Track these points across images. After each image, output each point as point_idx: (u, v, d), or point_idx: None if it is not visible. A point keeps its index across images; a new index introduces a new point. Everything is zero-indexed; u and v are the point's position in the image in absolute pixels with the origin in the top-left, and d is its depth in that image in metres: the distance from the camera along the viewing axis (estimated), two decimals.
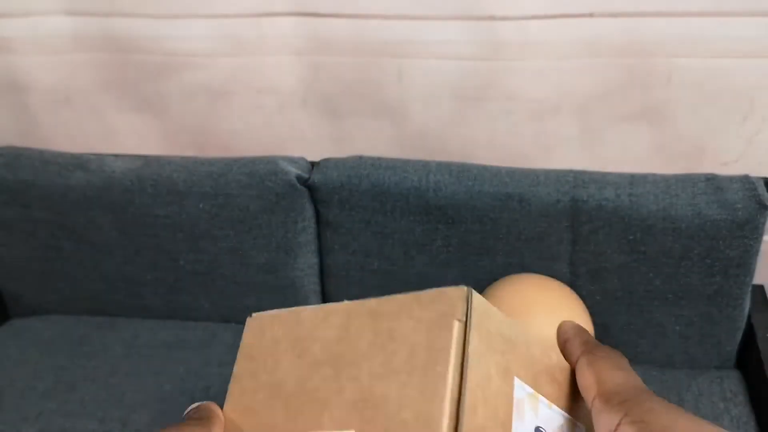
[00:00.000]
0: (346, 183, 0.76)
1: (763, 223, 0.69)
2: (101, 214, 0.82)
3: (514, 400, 0.27)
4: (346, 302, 0.29)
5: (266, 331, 0.31)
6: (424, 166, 0.76)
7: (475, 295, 0.27)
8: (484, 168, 0.75)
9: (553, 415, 0.29)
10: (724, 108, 0.75)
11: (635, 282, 0.73)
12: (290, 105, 0.84)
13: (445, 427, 0.23)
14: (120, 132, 0.89)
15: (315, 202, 0.79)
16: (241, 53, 0.81)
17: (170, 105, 0.86)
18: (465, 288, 0.27)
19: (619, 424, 0.25)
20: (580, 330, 0.33)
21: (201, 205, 0.80)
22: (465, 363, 0.24)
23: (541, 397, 0.29)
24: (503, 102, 0.79)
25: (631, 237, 0.71)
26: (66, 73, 0.85)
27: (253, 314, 0.33)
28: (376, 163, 0.77)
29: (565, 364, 0.32)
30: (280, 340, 0.30)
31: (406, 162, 0.77)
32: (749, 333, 0.75)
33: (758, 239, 0.70)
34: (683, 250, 0.70)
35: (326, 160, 0.79)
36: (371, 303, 0.28)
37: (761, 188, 0.69)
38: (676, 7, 0.72)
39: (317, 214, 0.80)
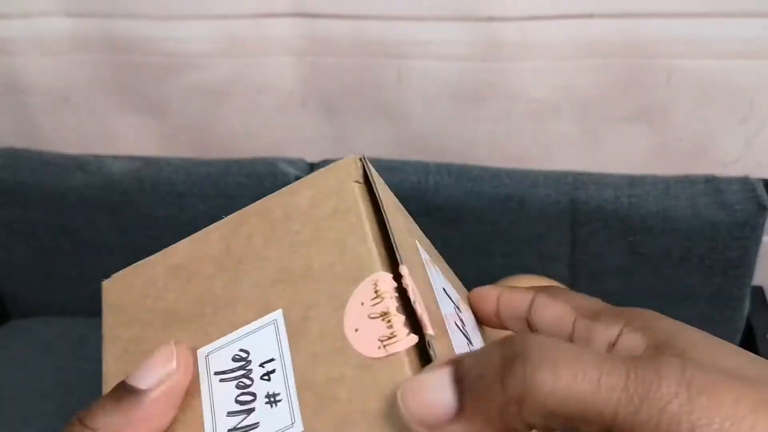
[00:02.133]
0: None
1: (763, 225, 0.69)
2: (101, 216, 0.82)
3: (423, 260, 0.25)
4: (219, 222, 0.26)
5: (133, 281, 0.27)
6: (424, 167, 0.76)
7: (367, 161, 0.25)
8: (484, 169, 0.75)
9: (448, 285, 0.27)
10: (723, 108, 0.75)
11: (635, 283, 0.73)
12: (289, 106, 0.84)
13: (376, 257, 0.21)
14: (119, 133, 0.89)
15: None
16: (241, 54, 0.81)
17: (169, 106, 0.86)
18: (355, 156, 0.25)
19: (620, 335, 0.22)
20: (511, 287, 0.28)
21: (200, 207, 0.80)
22: (383, 213, 0.22)
23: (436, 266, 0.27)
24: (503, 103, 0.79)
25: (630, 238, 0.71)
26: (65, 74, 0.85)
27: (108, 279, 0.28)
28: (375, 164, 0.77)
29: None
30: (157, 278, 0.26)
31: (405, 163, 0.77)
32: (749, 334, 0.75)
33: (757, 240, 0.70)
34: (683, 251, 0.70)
35: (325, 162, 0.79)
36: (254, 207, 0.25)
37: (761, 189, 0.69)
38: (676, 7, 0.71)
39: None
